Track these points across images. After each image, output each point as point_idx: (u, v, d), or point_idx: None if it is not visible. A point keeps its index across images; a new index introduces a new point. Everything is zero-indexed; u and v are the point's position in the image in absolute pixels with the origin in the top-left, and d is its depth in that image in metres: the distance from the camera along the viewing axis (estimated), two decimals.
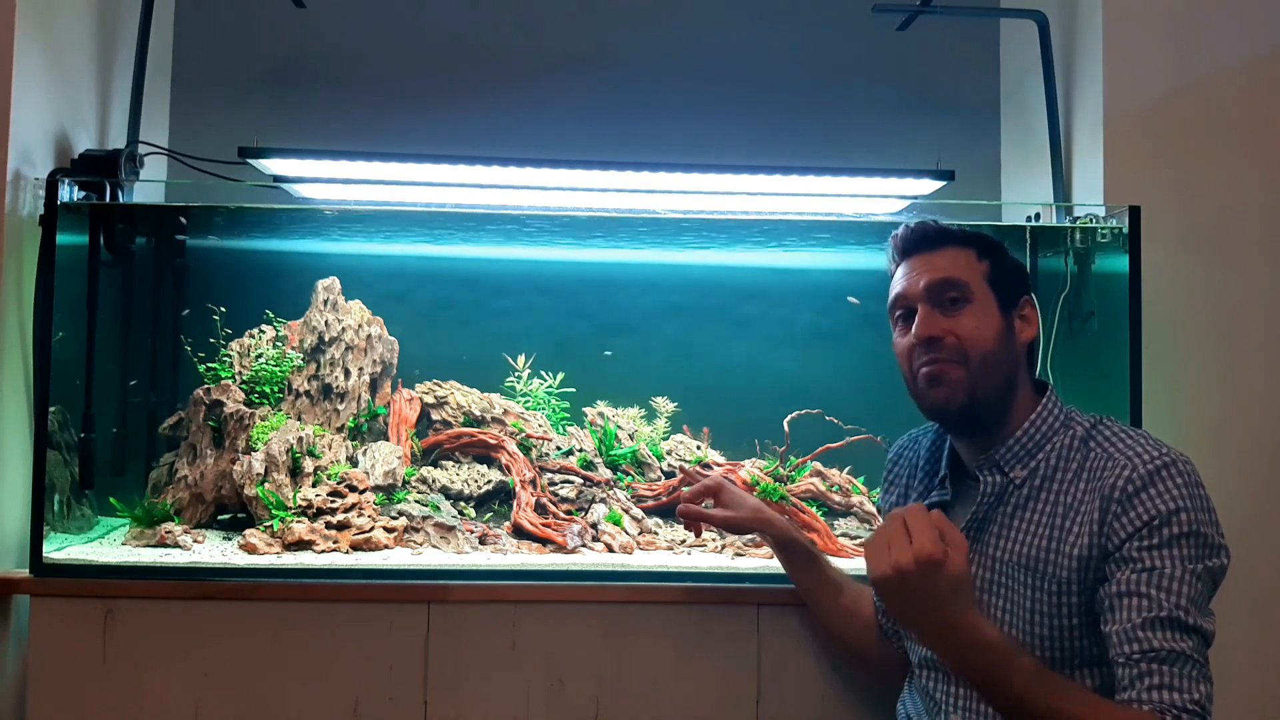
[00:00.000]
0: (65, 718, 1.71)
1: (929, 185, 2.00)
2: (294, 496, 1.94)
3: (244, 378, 2.10)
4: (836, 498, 2.09)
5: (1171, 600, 1.21)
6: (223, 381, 2.06)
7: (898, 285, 1.44)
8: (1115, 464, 1.32)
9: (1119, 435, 1.36)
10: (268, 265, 2.26)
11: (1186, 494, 1.27)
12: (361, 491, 1.97)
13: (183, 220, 2.14)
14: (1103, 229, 1.94)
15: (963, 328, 1.37)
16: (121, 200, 1.95)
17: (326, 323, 2.16)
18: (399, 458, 2.07)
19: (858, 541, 2.00)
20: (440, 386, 2.20)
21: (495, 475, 2.10)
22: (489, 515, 2.06)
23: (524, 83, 2.48)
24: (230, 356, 2.11)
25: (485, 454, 2.14)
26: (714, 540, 1.99)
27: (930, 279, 1.39)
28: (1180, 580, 1.22)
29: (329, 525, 1.90)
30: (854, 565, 1.74)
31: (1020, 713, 1.19)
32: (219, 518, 2.03)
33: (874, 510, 2.06)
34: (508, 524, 2.01)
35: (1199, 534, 1.25)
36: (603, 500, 2.06)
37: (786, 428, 2.04)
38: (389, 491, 2.02)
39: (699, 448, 2.20)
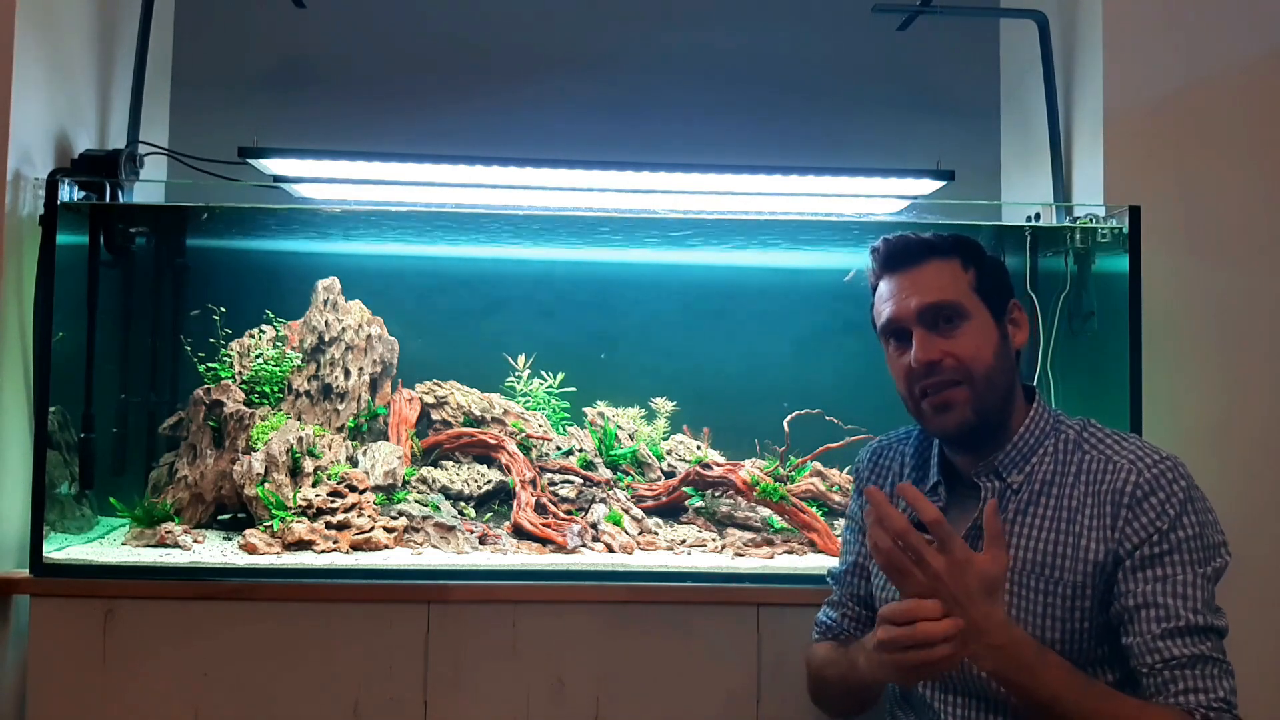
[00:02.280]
0: (65, 718, 1.71)
1: (929, 185, 2.00)
2: (294, 496, 1.94)
3: (244, 378, 2.10)
4: (836, 498, 2.09)
5: (1188, 606, 1.24)
6: (223, 381, 2.06)
7: (887, 307, 1.39)
8: (1116, 467, 1.33)
9: (1112, 438, 1.38)
10: (268, 265, 2.27)
11: (1189, 497, 1.30)
12: (361, 491, 1.97)
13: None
14: (1103, 229, 1.94)
15: (961, 348, 1.35)
16: (121, 200, 1.95)
17: (326, 323, 2.16)
18: (399, 458, 2.07)
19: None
20: (440, 386, 2.20)
21: (495, 475, 2.10)
22: (489, 515, 2.06)
23: (524, 83, 2.48)
24: (230, 356, 2.11)
25: (485, 454, 2.14)
26: (714, 540, 2.00)
27: (921, 302, 1.36)
28: (1191, 585, 1.25)
29: (329, 525, 1.90)
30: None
31: (1054, 715, 1.20)
32: (219, 518, 2.03)
33: None
34: (508, 524, 2.01)
35: (1203, 535, 1.28)
36: (603, 500, 2.06)
37: (786, 428, 2.04)
38: (389, 491, 2.02)
39: (699, 448, 2.20)
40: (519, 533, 1.98)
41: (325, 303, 2.18)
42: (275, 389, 2.12)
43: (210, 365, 2.09)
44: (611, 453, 2.16)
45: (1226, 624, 1.26)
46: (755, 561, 1.92)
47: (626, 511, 2.04)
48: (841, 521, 2.06)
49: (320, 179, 2.03)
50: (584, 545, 1.94)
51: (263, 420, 2.03)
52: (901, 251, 1.40)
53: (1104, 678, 1.32)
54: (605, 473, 2.12)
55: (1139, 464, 1.32)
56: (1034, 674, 1.20)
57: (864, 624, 1.54)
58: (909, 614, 1.18)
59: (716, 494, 2.11)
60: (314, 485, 1.99)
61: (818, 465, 2.10)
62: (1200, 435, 1.95)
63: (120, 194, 1.94)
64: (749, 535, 2.02)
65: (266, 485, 1.94)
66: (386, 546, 1.90)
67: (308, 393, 2.14)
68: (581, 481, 2.10)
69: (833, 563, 1.66)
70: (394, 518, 1.96)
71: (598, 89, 2.49)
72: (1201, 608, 1.24)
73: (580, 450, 2.15)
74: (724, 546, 1.97)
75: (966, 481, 1.42)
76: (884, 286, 1.41)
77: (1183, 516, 1.28)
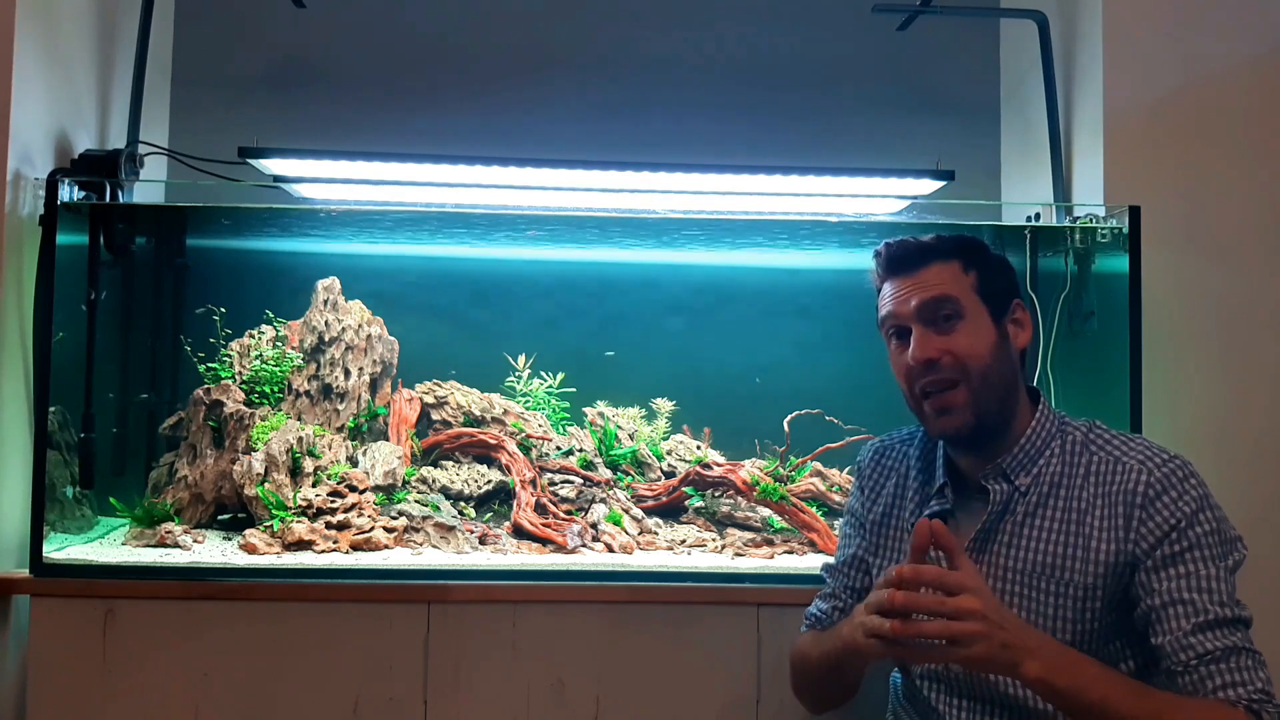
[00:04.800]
0: (65, 718, 1.71)
1: (929, 185, 2.00)
2: (294, 496, 1.94)
3: (244, 378, 2.10)
4: (836, 498, 2.09)
5: (1214, 600, 1.24)
6: (223, 381, 2.06)
7: (887, 304, 1.42)
8: (1125, 468, 1.33)
9: (1119, 438, 1.38)
10: (268, 265, 2.26)
11: (1202, 494, 1.31)
12: (361, 491, 1.97)
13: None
14: (1103, 229, 1.94)
15: (958, 345, 1.36)
16: (121, 200, 1.95)
17: (326, 323, 2.16)
18: (399, 458, 2.07)
19: None
20: (440, 386, 2.20)
21: (495, 475, 2.10)
22: (489, 515, 2.06)
23: (524, 83, 2.48)
24: (230, 356, 2.11)
25: (485, 454, 2.14)
26: (714, 540, 2.00)
27: (921, 299, 1.38)
28: (1215, 579, 1.26)
29: (329, 525, 1.90)
30: None
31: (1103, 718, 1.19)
32: (219, 518, 2.03)
33: None
34: (508, 524, 2.01)
35: (1221, 530, 1.29)
36: (603, 500, 2.06)
37: (786, 428, 2.04)
38: (389, 491, 2.02)
39: (699, 448, 2.20)
40: (519, 533, 1.98)
41: (325, 303, 2.18)
42: (275, 389, 2.12)
43: (210, 365, 2.09)
44: (611, 453, 2.16)
45: (1251, 615, 1.26)
46: (755, 561, 1.92)
47: (626, 511, 2.04)
48: (841, 521, 2.06)
49: (320, 179, 2.02)
50: (584, 545, 1.94)
51: (263, 420, 2.03)
52: (904, 254, 1.42)
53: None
54: (605, 473, 2.12)
55: (1149, 464, 1.32)
56: (1078, 674, 1.19)
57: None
58: (917, 578, 1.19)
59: (716, 494, 2.11)
60: (314, 485, 1.99)
61: (818, 465, 2.10)
62: (1201, 435, 1.95)
63: (120, 194, 1.94)
64: (749, 535, 2.02)
65: (266, 485, 1.94)
66: (386, 546, 1.90)
67: (308, 393, 2.14)
68: (581, 481, 2.10)
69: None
70: (394, 518, 1.96)
71: (598, 89, 2.49)
72: (1228, 600, 1.25)
73: (580, 450, 2.15)
74: (724, 546, 1.97)
75: (973, 484, 1.42)
76: (887, 288, 1.44)
77: (1199, 513, 1.29)
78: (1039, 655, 1.18)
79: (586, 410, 2.23)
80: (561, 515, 2.00)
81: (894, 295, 1.41)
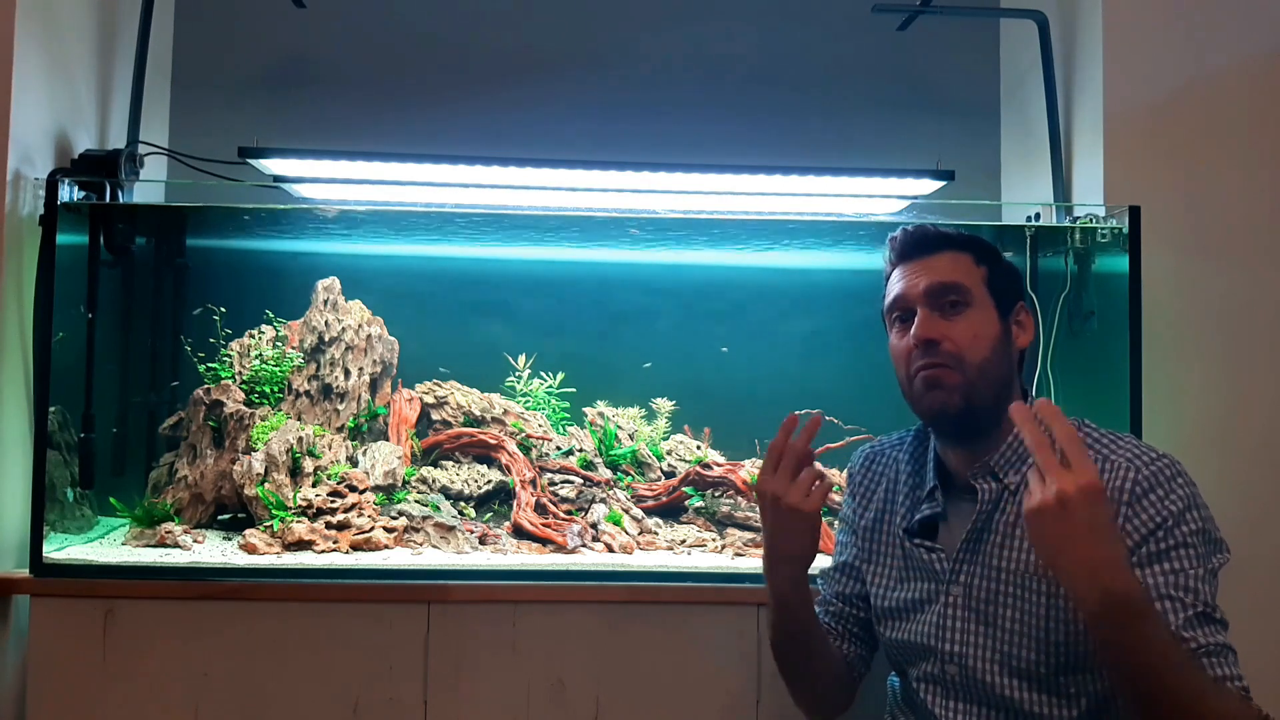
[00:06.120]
0: (65, 718, 1.71)
1: (929, 185, 2.00)
2: (294, 496, 1.94)
3: (244, 378, 2.10)
4: (836, 498, 2.09)
5: (1200, 599, 1.24)
6: (223, 381, 2.06)
7: (896, 287, 1.42)
8: (1114, 465, 1.33)
9: (1107, 437, 1.38)
10: (268, 265, 2.27)
11: (1190, 493, 1.30)
12: (361, 491, 1.97)
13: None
14: (1103, 229, 1.94)
15: (960, 332, 1.36)
16: (121, 200, 1.95)
17: (326, 323, 2.16)
18: (399, 458, 2.07)
19: None
20: (440, 386, 2.20)
21: (495, 475, 2.10)
22: (489, 515, 2.06)
23: (524, 83, 2.48)
24: (230, 356, 2.11)
25: (485, 454, 2.14)
26: (714, 540, 2.00)
27: (930, 282, 1.39)
28: (1200, 579, 1.26)
29: (329, 525, 1.90)
30: None
31: (1141, 683, 1.16)
32: (219, 518, 2.03)
33: None
34: (508, 524, 2.01)
35: (1206, 531, 1.29)
36: (603, 500, 2.06)
37: None
38: (389, 491, 2.02)
39: (699, 448, 2.20)
40: (519, 533, 1.98)
41: (325, 303, 2.18)
42: (275, 389, 2.12)
43: (210, 365, 2.09)
44: (611, 453, 2.16)
45: (1228, 620, 1.27)
46: (755, 561, 1.92)
47: (626, 511, 2.04)
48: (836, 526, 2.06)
49: (320, 179, 2.03)
50: (584, 545, 1.94)
51: (263, 420, 2.03)
52: (919, 240, 1.43)
53: (1104, 679, 1.32)
54: (605, 473, 2.12)
55: (1136, 462, 1.32)
56: (1139, 633, 1.14)
57: (845, 620, 1.57)
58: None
59: (716, 494, 2.11)
60: (314, 485, 1.99)
61: (818, 465, 2.10)
62: (1201, 435, 1.95)
63: (120, 194, 1.94)
64: (749, 535, 2.02)
65: (266, 485, 1.94)
66: (386, 546, 1.90)
67: (308, 393, 2.14)
68: (581, 481, 2.10)
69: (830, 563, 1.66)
70: (394, 518, 1.96)
71: (598, 89, 2.49)
72: (1210, 602, 1.25)
73: (580, 450, 2.15)
74: (724, 546, 1.97)
75: (963, 485, 1.42)
76: (896, 273, 1.44)
77: (1188, 512, 1.29)
78: (1123, 586, 1.13)
79: (586, 410, 2.24)
80: (561, 515, 2.00)
81: (904, 278, 1.42)
